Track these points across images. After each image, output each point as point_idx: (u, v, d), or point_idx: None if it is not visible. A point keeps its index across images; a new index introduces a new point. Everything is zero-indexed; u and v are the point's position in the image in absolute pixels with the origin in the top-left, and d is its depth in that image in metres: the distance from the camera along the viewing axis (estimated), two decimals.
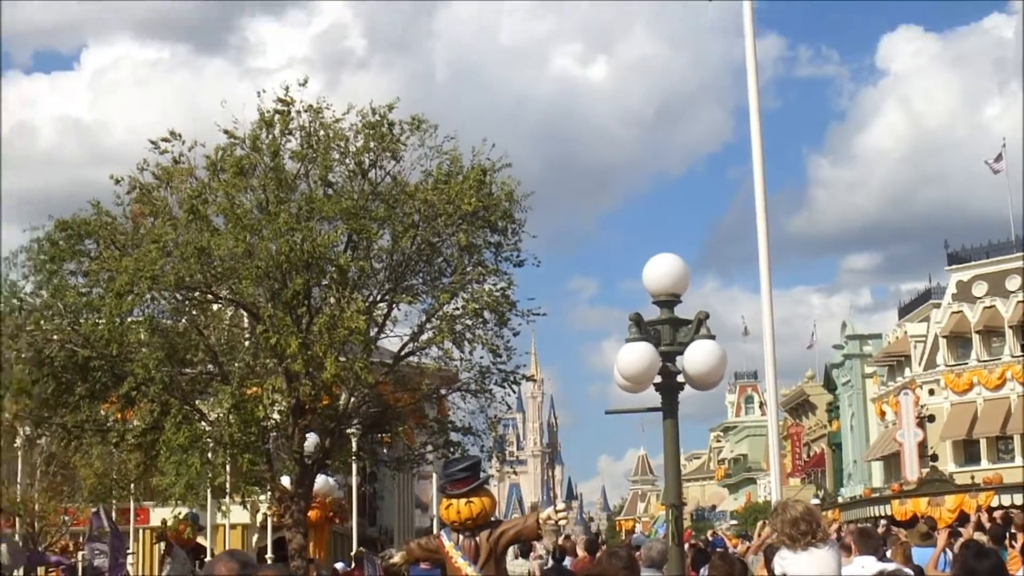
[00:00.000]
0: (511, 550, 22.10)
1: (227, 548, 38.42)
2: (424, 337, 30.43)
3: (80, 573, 42.44)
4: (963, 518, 39.20)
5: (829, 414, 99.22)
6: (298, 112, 29.71)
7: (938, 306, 79.09)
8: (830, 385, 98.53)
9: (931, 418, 74.20)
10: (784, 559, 9.87)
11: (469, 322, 29.82)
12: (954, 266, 79.44)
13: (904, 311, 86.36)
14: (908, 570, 14.91)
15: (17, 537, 45.49)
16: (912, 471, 71.85)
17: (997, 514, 31.87)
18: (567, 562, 26.09)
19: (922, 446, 72.45)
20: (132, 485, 37.41)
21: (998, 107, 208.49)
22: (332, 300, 28.81)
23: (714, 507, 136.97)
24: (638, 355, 13.29)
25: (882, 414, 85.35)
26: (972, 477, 63.71)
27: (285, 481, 31.11)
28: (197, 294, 29.74)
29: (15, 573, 42.71)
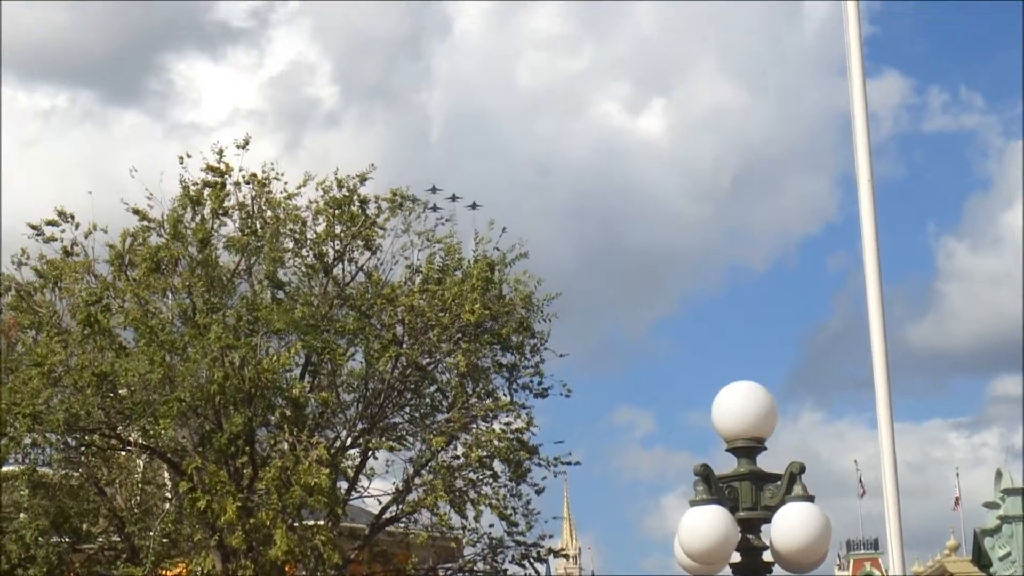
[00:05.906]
0: None
1: None
2: (412, 497, 29.88)
3: None
4: None
5: None
6: (236, 184, 29.33)
7: None
8: (981, 559, 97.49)
9: None
10: None
11: (473, 476, 29.26)
12: None
13: None
14: None
15: None
16: None
17: None
18: None
19: None
20: None
21: None
22: (284, 446, 28.30)
23: None
24: (708, 524, 12.75)
25: None
26: None
27: None
28: (97, 438, 29.28)
29: None
